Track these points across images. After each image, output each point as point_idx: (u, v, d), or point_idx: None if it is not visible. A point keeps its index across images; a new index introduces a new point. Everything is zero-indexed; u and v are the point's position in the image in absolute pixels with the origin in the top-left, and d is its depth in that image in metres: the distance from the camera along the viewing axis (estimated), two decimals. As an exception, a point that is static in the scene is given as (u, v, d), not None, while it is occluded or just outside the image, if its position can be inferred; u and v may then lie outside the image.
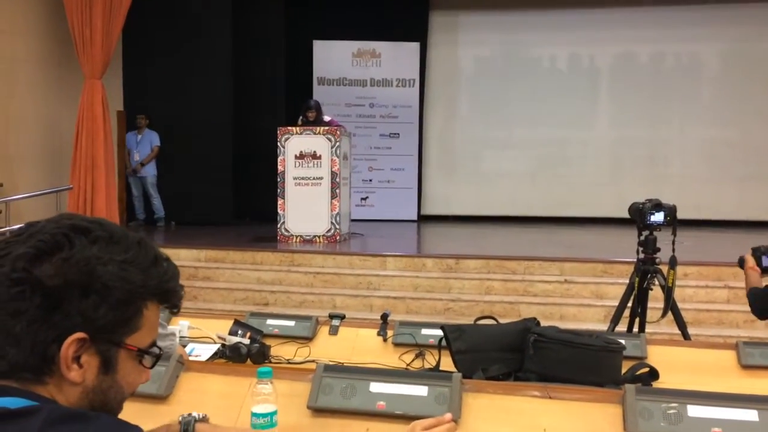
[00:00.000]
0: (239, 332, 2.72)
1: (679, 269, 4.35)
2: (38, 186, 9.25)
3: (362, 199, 11.25)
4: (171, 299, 1.05)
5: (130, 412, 1.04)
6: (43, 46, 9.58)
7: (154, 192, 10.04)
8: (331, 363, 2.12)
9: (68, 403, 0.96)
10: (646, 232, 4.04)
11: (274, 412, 1.67)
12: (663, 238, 4.05)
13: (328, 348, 2.71)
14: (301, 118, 8.36)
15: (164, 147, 10.00)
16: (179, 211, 10.23)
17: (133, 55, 10.29)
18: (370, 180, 11.46)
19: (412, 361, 2.60)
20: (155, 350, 1.04)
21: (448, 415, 1.45)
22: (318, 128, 8.07)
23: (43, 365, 0.94)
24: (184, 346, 2.66)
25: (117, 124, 10.14)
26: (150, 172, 10.02)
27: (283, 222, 8.11)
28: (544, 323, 2.53)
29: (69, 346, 0.94)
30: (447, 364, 2.42)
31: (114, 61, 9.46)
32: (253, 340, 2.66)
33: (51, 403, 0.92)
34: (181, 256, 7.51)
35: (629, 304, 4.16)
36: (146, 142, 9.96)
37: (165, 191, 10.12)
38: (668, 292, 3.94)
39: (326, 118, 8.40)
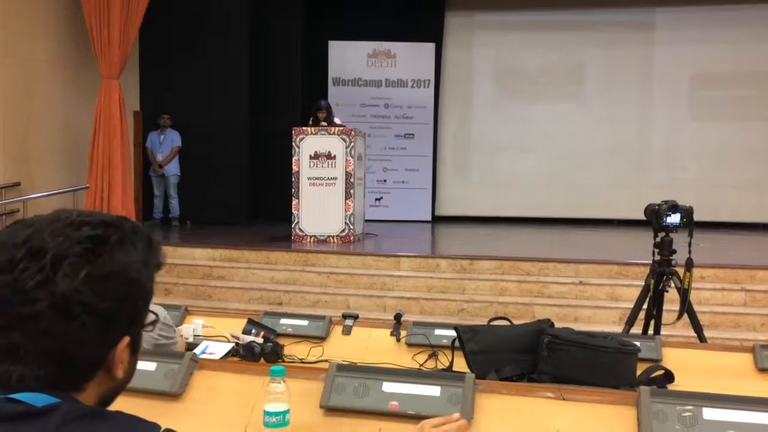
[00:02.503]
0: (253, 331, 2.73)
1: (696, 272, 4.31)
2: (55, 185, 9.33)
3: (376, 199, 11.26)
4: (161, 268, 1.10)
5: (143, 410, 1.04)
6: (62, 47, 9.67)
7: (174, 192, 10.08)
8: (344, 362, 2.12)
9: (99, 392, 1.00)
10: (662, 234, 4.01)
11: (287, 411, 1.67)
12: (679, 240, 4.02)
13: (341, 348, 2.71)
14: (311, 118, 8.40)
15: (181, 146, 10.04)
16: (195, 211, 10.29)
17: (150, 55, 10.37)
18: (385, 180, 11.46)
19: (426, 361, 2.59)
20: (153, 317, 1.08)
21: (456, 415, 1.47)
22: (332, 128, 8.09)
23: (90, 376, 0.97)
24: (197, 345, 2.67)
25: (134, 124, 10.21)
26: (173, 171, 10.04)
27: (298, 222, 8.13)
28: (558, 325, 2.52)
29: (122, 351, 0.99)
30: (460, 364, 2.41)
31: (131, 61, 9.54)
32: (266, 339, 2.67)
33: (70, 401, 0.93)
34: (196, 256, 7.55)
35: (644, 306, 4.13)
36: (168, 142, 10.00)
37: (181, 190, 10.17)
38: (684, 294, 3.91)
39: (336, 121, 8.42)
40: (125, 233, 1.00)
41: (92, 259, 0.94)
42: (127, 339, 0.99)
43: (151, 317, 1.06)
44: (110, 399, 1.04)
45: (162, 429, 0.96)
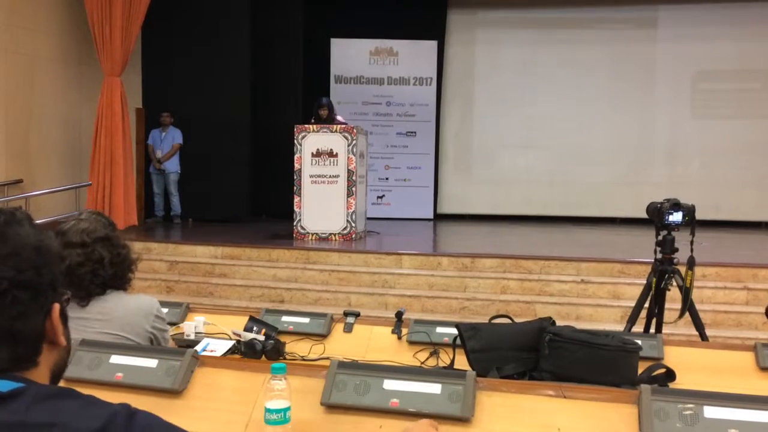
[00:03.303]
0: (254, 329, 2.73)
1: (698, 270, 4.31)
2: (58, 182, 9.35)
3: (378, 197, 11.26)
4: None
5: (144, 407, 1.04)
6: (64, 44, 9.68)
7: (175, 190, 10.07)
8: (345, 360, 2.12)
9: (54, 365, 1.06)
10: (664, 232, 4.00)
11: (288, 408, 1.68)
12: (681, 239, 4.01)
13: (342, 345, 2.71)
14: (313, 116, 8.40)
15: (183, 144, 10.04)
16: (197, 208, 10.29)
17: (152, 53, 10.36)
18: (387, 178, 11.46)
19: (427, 359, 2.59)
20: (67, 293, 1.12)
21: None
22: (335, 126, 8.09)
23: (39, 347, 1.02)
24: (198, 342, 2.67)
25: (136, 121, 10.22)
26: (172, 169, 10.02)
27: (300, 219, 8.13)
28: (560, 323, 2.51)
29: (57, 320, 1.04)
30: (461, 362, 2.41)
31: (133, 58, 9.54)
32: (267, 336, 2.67)
33: (34, 384, 0.99)
34: (198, 253, 7.55)
35: (646, 305, 4.12)
36: (169, 139, 9.99)
37: (183, 188, 10.17)
38: (686, 292, 3.91)
39: (339, 118, 8.42)
40: (7, 215, 1.05)
41: None
42: (57, 306, 1.04)
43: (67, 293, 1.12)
44: (61, 371, 1.09)
45: (131, 407, 1.00)
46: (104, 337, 2.13)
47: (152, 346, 2.23)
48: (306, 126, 8.14)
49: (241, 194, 10.41)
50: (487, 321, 2.58)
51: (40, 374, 1.02)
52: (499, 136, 11.77)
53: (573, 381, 2.02)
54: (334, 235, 8.06)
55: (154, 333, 2.27)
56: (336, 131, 8.03)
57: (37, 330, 1.01)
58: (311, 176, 8.06)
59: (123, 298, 2.26)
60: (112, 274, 2.23)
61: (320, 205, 8.05)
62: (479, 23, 11.90)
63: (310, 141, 8.03)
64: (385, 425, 1.74)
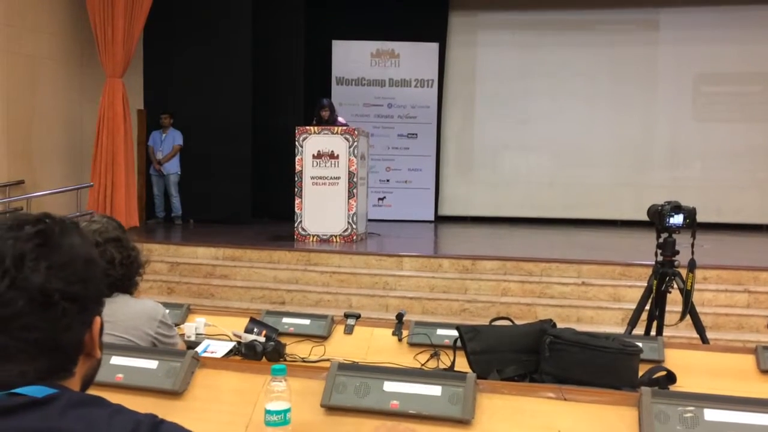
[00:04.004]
0: (255, 330, 2.73)
1: (699, 273, 4.30)
2: (59, 183, 9.35)
3: (379, 199, 11.26)
4: None
5: (145, 408, 1.04)
6: (66, 45, 9.68)
7: (175, 191, 10.08)
8: (345, 362, 2.12)
9: (85, 374, 1.07)
10: (665, 235, 4.00)
11: (288, 410, 1.68)
12: (682, 241, 4.01)
13: (343, 347, 2.71)
14: (315, 117, 8.40)
15: (184, 145, 10.05)
16: (198, 210, 10.29)
17: (154, 54, 10.37)
18: (388, 180, 11.46)
19: (427, 361, 2.59)
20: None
21: None
22: (336, 128, 8.10)
23: (77, 359, 1.03)
24: (199, 343, 2.67)
25: (137, 122, 10.22)
26: (172, 170, 10.04)
27: (301, 221, 8.13)
28: (560, 325, 2.51)
29: (97, 332, 1.05)
30: (462, 364, 2.41)
31: (135, 60, 9.55)
32: (268, 338, 2.67)
33: (68, 390, 0.99)
34: (199, 254, 7.56)
35: (647, 307, 4.12)
36: (170, 141, 10.01)
37: (184, 189, 10.18)
38: (687, 295, 3.90)
39: (340, 120, 8.42)
40: (61, 223, 1.05)
41: (47, 251, 0.99)
42: (99, 319, 1.05)
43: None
44: (91, 380, 1.10)
45: (157, 417, 1.00)
46: (110, 338, 2.14)
47: (153, 348, 2.23)
48: (307, 127, 8.14)
49: (241, 195, 10.40)
50: (487, 323, 2.59)
51: (74, 383, 1.03)
52: (500, 138, 11.77)
53: (573, 383, 2.02)
54: (335, 236, 8.06)
55: (157, 338, 2.27)
56: (337, 133, 8.04)
57: (79, 342, 1.02)
58: (312, 178, 8.06)
59: (129, 302, 2.27)
60: (122, 275, 2.24)
61: (321, 206, 8.05)
62: (480, 25, 11.91)
63: (311, 142, 8.04)
64: (385, 427, 1.74)
